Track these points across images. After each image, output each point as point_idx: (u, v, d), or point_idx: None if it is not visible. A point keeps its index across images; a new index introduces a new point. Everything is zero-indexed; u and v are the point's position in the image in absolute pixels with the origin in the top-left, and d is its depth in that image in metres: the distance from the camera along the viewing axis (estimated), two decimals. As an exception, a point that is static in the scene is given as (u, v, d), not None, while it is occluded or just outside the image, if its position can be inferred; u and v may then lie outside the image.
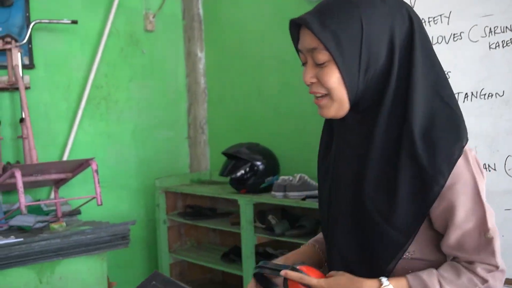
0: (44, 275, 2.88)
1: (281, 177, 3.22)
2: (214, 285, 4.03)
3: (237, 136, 3.76)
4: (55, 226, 3.01)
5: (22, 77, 3.35)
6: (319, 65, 1.21)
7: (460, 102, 2.04)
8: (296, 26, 1.25)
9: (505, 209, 1.96)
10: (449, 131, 1.17)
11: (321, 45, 1.16)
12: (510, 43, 1.97)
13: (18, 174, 2.90)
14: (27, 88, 3.41)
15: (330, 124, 1.40)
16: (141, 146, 4.08)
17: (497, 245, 1.19)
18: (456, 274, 1.19)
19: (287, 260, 1.48)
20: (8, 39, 3.30)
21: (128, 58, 3.98)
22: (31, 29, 3.43)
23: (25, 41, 3.41)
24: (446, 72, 2.07)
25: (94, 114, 3.83)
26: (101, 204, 3.21)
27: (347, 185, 1.30)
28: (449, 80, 2.06)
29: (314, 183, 3.05)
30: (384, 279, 1.20)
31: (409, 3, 2.26)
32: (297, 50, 1.29)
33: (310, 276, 1.23)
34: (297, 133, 3.60)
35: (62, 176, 3.24)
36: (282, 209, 3.32)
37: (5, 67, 3.36)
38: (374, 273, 1.24)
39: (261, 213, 3.28)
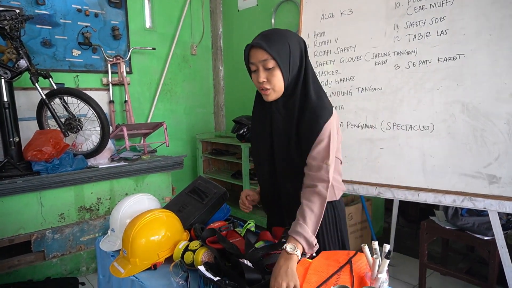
0: (139, 182, 2.92)
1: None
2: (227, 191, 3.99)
3: (240, 112, 3.74)
4: (144, 157, 3.04)
5: (126, 78, 3.33)
6: (268, 70, 1.12)
7: (358, 93, 2.09)
8: (247, 49, 1.16)
9: (380, 148, 2.00)
10: (326, 102, 1.15)
11: (270, 57, 1.09)
12: (385, 62, 1.98)
13: (124, 129, 2.93)
14: (128, 84, 3.38)
15: (260, 102, 1.26)
16: (188, 117, 4.03)
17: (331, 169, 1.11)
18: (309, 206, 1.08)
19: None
20: (119, 57, 3.26)
21: (182, 69, 3.91)
22: (130, 52, 3.38)
23: (127, 58, 3.35)
24: (352, 77, 2.13)
25: (163, 99, 3.78)
26: (168, 146, 3.29)
27: (282, 133, 1.19)
28: (354, 81, 2.12)
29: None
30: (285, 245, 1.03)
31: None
32: (248, 64, 1.18)
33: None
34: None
35: (147, 131, 3.26)
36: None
37: (116, 72, 3.33)
38: (297, 172, 1.18)
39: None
